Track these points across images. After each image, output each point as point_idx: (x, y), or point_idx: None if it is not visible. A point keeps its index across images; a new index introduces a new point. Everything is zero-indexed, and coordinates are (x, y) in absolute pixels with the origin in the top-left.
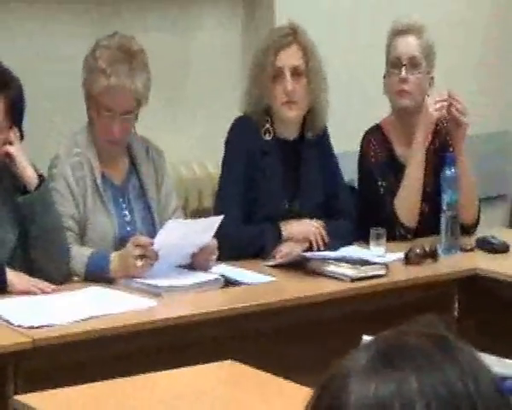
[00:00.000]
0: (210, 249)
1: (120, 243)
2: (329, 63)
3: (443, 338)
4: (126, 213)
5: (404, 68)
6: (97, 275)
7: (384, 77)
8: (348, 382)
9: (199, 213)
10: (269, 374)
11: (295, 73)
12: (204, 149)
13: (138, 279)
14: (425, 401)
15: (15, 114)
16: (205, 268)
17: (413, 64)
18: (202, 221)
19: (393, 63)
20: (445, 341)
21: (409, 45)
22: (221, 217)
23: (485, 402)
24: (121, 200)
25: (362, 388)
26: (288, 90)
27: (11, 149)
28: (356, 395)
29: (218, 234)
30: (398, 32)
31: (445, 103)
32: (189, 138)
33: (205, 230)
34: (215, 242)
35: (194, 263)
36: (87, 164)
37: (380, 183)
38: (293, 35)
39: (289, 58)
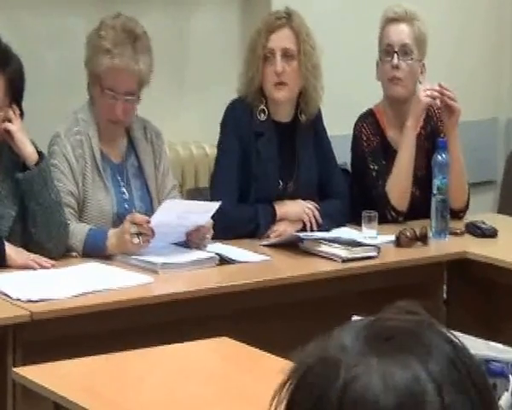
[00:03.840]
0: (205, 229)
1: (118, 220)
2: (324, 48)
3: (429, 321)
4: (124, 190)
5: (395, 55)
6: (95, 251)
7: (377, 63)
8: (357, 370)
9: (195, 193)
10: (262, 351)
11: (286, 55)
12: (201, 130)
13: (135, 256)
14: (448, 378)
15: (15, 92)
16: (200, 247)
17: (405, 51)
18: (200, 204)
19: (385, 51)
20: (431, 323)
21: (400, 33)
22: (218, 203)
23: (479, 379)
24: (119, 178)
25: (382, 374)
26: (278, 71)
27: (11, 126)
28: (376, 382)
29: (214, 214)
30: (390, 20)
31: (436, 93)
32: (187, 119)
33: (201, 212)
34: (211, 221)
35: (189, 241)
36: (87, 142)
37: (372, 167)
38: (286, 18)
39: (280, 40)
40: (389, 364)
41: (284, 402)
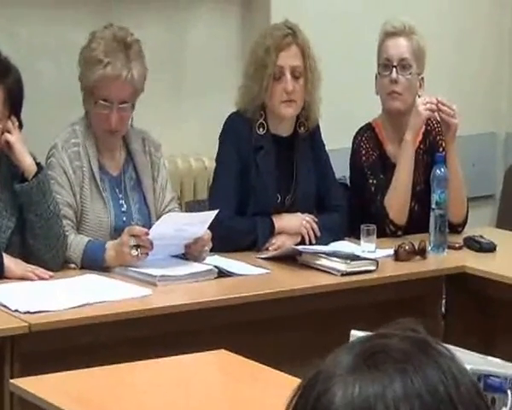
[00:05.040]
0: (204, 241)
1: (116, 232)
2: (322, 61)
3: (423, 341)
4: (122, 203)
5: (394, 70)
6: (93, 263)
7: (376, 77)
8: (333, 383)
9: (194, 205)
10: (260, 364)
11: (294, 73)
12: (200, 143)
13: (133, 268)
14: (409, 405)
15: (14, 103)
16: (198, 259)
17: (403, 66)
18: (197, 215)
19: (384, 65)
20: (425, 344)
21: (399, 47)
22: (216, 211)
23: (466, 405)
24: (117, 190)
25: (346, 389)
26: (289, 90)
27: (10, 137)
28: (340, 396)
29: (212, 226)
30: (388, 34)
31: (434, 106)
32: (186, 132)
33: (199, 223)
34: (209, 233)
35: (188, 254)
36: (84, 154)
37: (371, 181)
38: (292, 35)
39: (289, 58)
40: (361, 380)
41: None
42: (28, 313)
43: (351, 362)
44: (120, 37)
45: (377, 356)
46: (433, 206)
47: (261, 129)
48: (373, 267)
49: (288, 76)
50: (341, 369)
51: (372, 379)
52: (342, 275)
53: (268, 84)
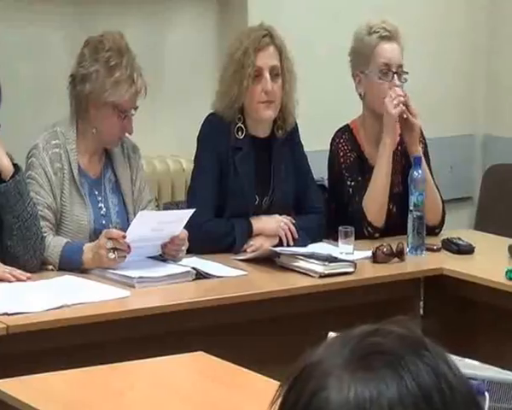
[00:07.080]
0: (180, 239)
1: (95, 235)
2: (299, 62)
3: (420, 343)
4: (102, 205)
5: (395, 76)
6: (71, 265)
7: (354, 76)
8: (328, 381)
9: (172, 207)
10: (237, 366)
11: (273, 73)
12: (178, 144)
13: (111, 269)
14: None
15: None
16: (175, 258)
17: (401, 72)
18: (173, 213)
19: (382, 70)
20: (422, 346)
21: (395, 51)
22: (192, 210)
23: None
24: (97, 193)
25: (342, 389)
26: (269, 90)
27: None
28: (336, 396)
29: (190, 228)
30: (382, 38)
31: (402, 99)
32: (163, 134)
33: (175, 221)
34: (185, 232)
35: (165, 253)
36: (65, 156)
37: (348, 182)
38: (269, 36)
39: (268, 58)
40: (356, 381)
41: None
42: (6, 314)
43: (345, 359)
44: (126, 44)
45: (373, 357)
46: (411, 208)
47: (240, 133)
48: (351, 269)
49: (268, 76)
50: (336, 366)
51: (368, 381)
52: (320, 277)
53: (248, 84)
